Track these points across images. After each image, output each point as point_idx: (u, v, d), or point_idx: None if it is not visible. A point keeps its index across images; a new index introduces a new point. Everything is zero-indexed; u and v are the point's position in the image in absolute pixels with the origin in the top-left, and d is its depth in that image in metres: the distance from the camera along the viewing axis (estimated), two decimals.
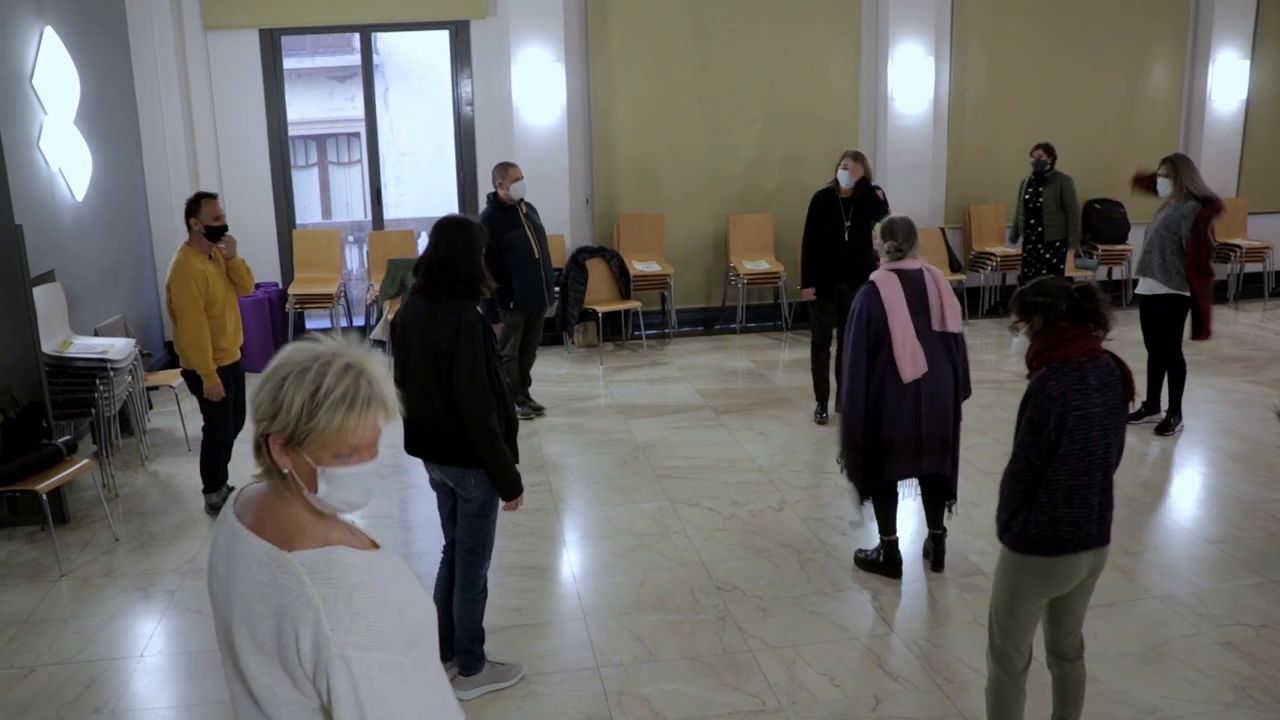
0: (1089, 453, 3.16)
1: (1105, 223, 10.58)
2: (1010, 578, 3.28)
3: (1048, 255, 9.21)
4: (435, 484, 4.14)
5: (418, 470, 6.35)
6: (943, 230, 10.39)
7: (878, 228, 4.87)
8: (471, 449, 3.79)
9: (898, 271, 4.70)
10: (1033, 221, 9.19)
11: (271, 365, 1.78)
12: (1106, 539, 3.29)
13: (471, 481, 3.87)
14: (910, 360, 4.61)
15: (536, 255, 7.19)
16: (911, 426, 4.65)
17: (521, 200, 7.26)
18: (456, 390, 3.71)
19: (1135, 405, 3.36)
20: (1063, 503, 3.16)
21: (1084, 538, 3.20)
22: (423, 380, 3.79)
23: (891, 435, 4.67)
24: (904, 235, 4.76)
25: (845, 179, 6.93)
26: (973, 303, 10.38)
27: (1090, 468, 3.17)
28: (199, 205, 5.50)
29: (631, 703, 4.00)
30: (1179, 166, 6.62)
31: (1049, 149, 9.09)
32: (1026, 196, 9.21)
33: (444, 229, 3.87)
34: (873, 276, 4.75)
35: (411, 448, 4.00)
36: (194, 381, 5.66)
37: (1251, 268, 11.05)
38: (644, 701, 4.01)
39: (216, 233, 5.54)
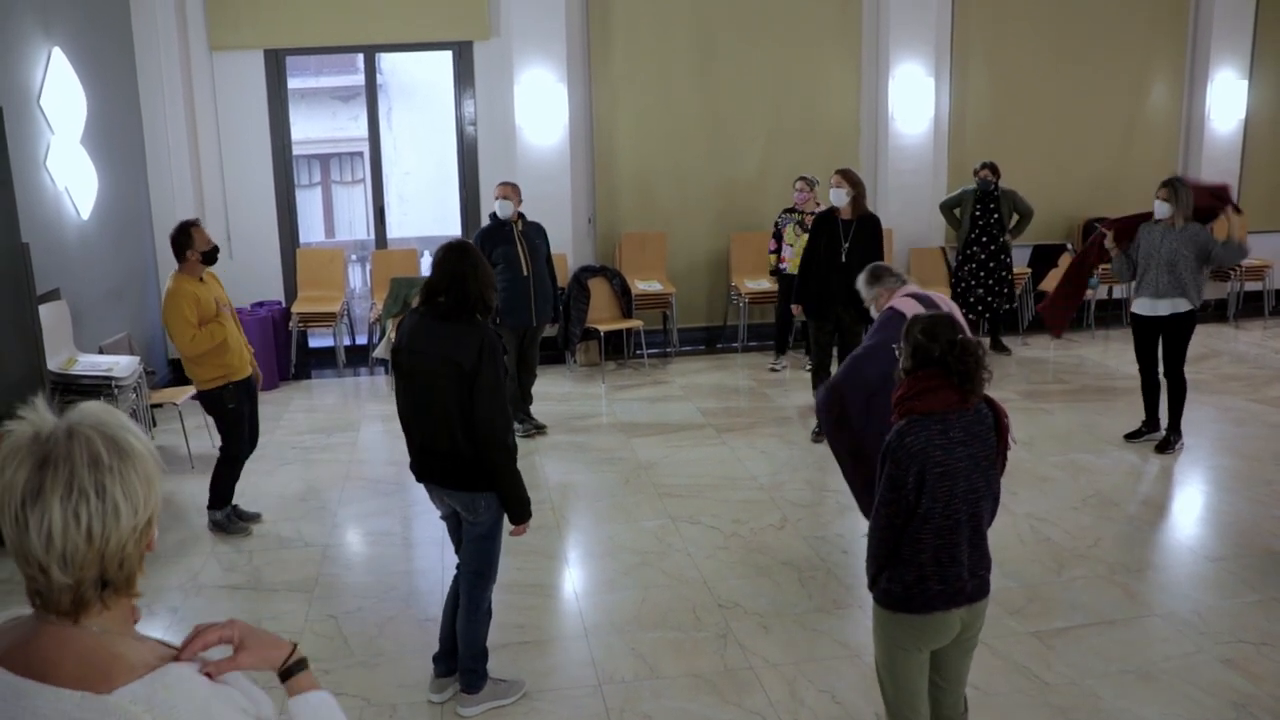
0: (953, 509, 2.98)
1: None
2: (884, 633, 3.17)
3: (1003, 274, 9.34)
4: (444, 515, 4.16)
5: (419, 488, 6.35)
6: (943, 250, 10.43)
7: (865, 275, 4.90)
8: (485, 473, 3.80)
9: (914, 295, 4.65)
10: (985, 239, 9.29)
11: (49, 481, 1.36)
12: (983, 592, 3.13)
13: (482, 505, 3.88)
14: None
15: (525, 273, 7.19)
16: None
17: (520, 217, 7.29)
18: (478, 409, 3.71)
19: (1012, 449, 3.22)
20: (930, 561, 3.00)
21: (955, 594, 3.04)
22: (442, 402, 3.76)
23: None
24: (891, 271, 4.83)
25: (835, 198, 6.98)
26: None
27: (956, 525, 3.00)
28: (191, 236, 5.51)
29: (633, 719, 4.02)
30: (1179, 191, 6.67)
31: (994, 168, 9.24)
32: (977, 213, 9.29)
33: (453, 250, 3.88)
34: (894, 304, 4.65)
35: (422, 474, 3.99)
36: (209, 402, 5.70)
37: (1251, 286, 11.09)
38: (645, 718, 4.02)
39: (212, 256, 5.61)
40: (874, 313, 4.84)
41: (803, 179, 9.02)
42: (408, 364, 3.88)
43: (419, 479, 4.02)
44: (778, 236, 9.10)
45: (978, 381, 2.99)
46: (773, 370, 9.25)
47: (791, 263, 8.95)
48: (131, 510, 1.40)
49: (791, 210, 9.07)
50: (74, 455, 1.37)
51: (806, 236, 8.82)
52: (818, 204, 8.97)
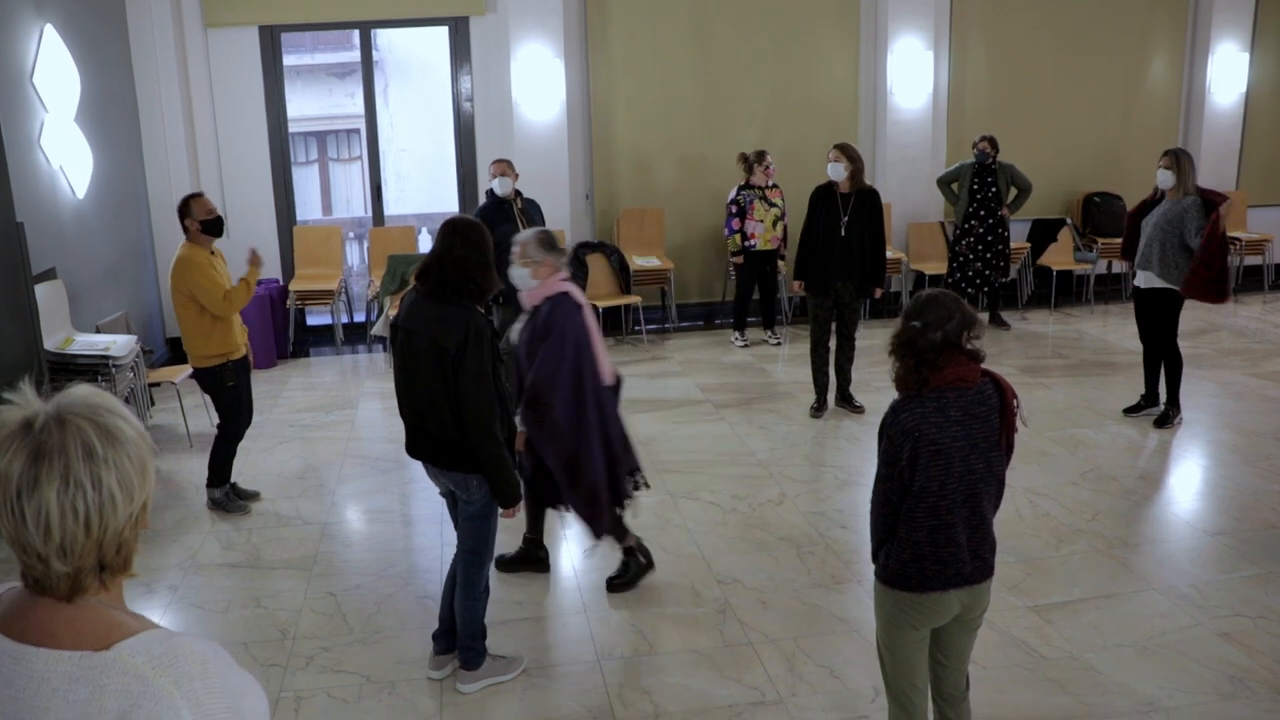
0: (948, 489, 2.96)
1: (1104, 215, 10.61)
2: (883, 609, 3.16)
3: (1000, 248, 9.35)
4: (441, 492, 4.15)
5: (418, 466, 6.35)
6: (941, 225, 10.40)
7: (542, 236, 4.46)
8: (475, 454, 3.80)
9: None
10: (983, 213, 9.29)
11: (44, 474, 1.36)
12: (985, 574, 3.10)
13: (474, 484, 3.88)
14: (608, 362, 4.63)
15: None
16: (620, 425, 4.71)
17: (518, 195, 7.27)
18: (462, 394, 3.70)
19: (1020, 428, 3.17)
20: (926, 541, 2.98)
21: (953, 575, 3.01)
22: (428, 384, 3.77)
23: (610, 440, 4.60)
24: (563, 250, 4.57)
25: (833, 172, 6.94)
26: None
27: (952, 505, 2.97)
28: (189, 206, 5.54)
29: (632, 695, 4.02)
30: (1181, 160, 6.60)
31: (993, 141, 9.22)
32: (975, 187, 9.28)
33: (453, 229, 3.84)
34: (566, 289, 4.45)
35: (414, 451, 4.00)
36: (208, 379, 5.70)
37: (1251, 260, 11.06)
38: (645, 694, 4.03)
39: (213, 226, 5.58)
40: (527, 279, 4.38)
41: (767, 154, 9.03)
42: (401, 342, 3.88)
43: (411, 456, 4.03)
44: (741, 215, 9.06)
45: (930, 366, 2.94)
46: (743, 345, 9.27)
47: (762, 238, 8.98)
48: (127, 498, 1.41)
49: (750, 186, 9.05)
50: (68, 447, 1.37)
51: (774, 210, 8.92)
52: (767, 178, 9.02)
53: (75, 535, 1.36)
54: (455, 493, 3.99)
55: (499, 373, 3.82)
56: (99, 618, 1.40)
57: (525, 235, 4.50)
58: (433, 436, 3.86)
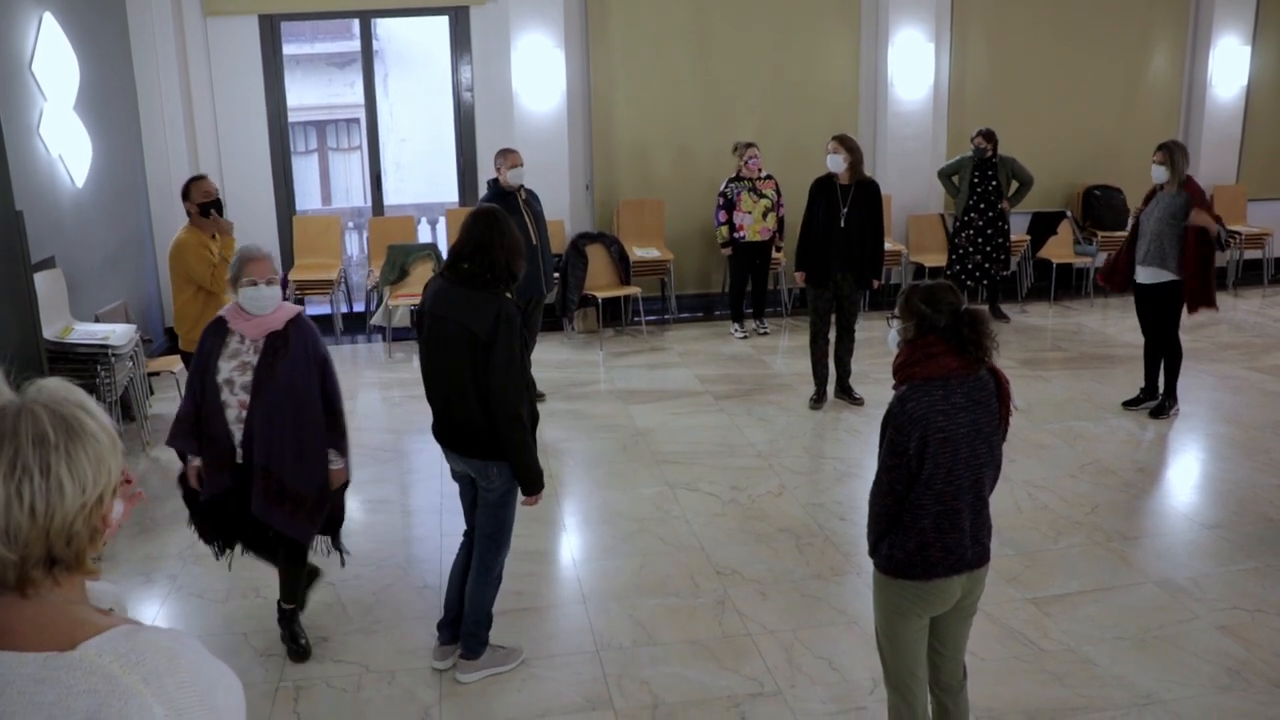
0: (955, 475, 2.99)
1: (1105, 209, 10.59)
2: (884, 598, 3.18)
3: (1000, 241, 9.35)
4: (457, 475, 4.17)
5: (418, 456, 6.38)
6: (942, 217, 10.39)
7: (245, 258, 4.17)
8: (498, 442, 3.82)
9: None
10: (983, 206, 9.29)
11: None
12: (983, 560, 3.13)
13: (494, 472, 3.90)
14: None
15: (534, 242, 7.18)
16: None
17: (520, 186, 7.26)
18: (492, 380, 3.73)
19: (1013, 415, 3.20)
20: (932, 528, 3.00)
21: (956, 561, 3.05)
22: (457, 369, 3.79)
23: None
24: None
25: (833, 164, 6.94)
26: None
27: (959, 491, 3.01)
28: (189, 188, 5.63)
29: (631, 685, 4.03)
30: (1175, 154, 6.62)
31: (989, 135, 9.25)
32: (975, 180, 9.28)
33: (485, 217, 3.87)
34: (300, 308, 4.34)
35: (439, 436, 4.05)
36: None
37: (1251, 254, 11.05)
38: (643, 684, 4.04)
39: (208, 209, 5.62)
40: (277, 299, 4.27)
41: (753, 145, 9.06)
42: (428, 328, 3.92)
43: (437, 440, 4.07)
44: (729, 207, 9.09)
45: (987, 350, 3.00)
46: (742, 337, 9.29)
47: (751, 229, 9.02)
48: (78, 489, 1.39)
49: (738, 179, 9.08)
50: (20, 433, 1.36)
51: (764, 201, 8.95)
52: (759, 169, 9.02)
53: (20, 521, 1.35)
54: (475, 479, 4.01)
55: (525, 358, 3.84)
56: (62, 615, 1.38)
57: (264, 250, 4.27)
58: (457, 423, 3.90)
